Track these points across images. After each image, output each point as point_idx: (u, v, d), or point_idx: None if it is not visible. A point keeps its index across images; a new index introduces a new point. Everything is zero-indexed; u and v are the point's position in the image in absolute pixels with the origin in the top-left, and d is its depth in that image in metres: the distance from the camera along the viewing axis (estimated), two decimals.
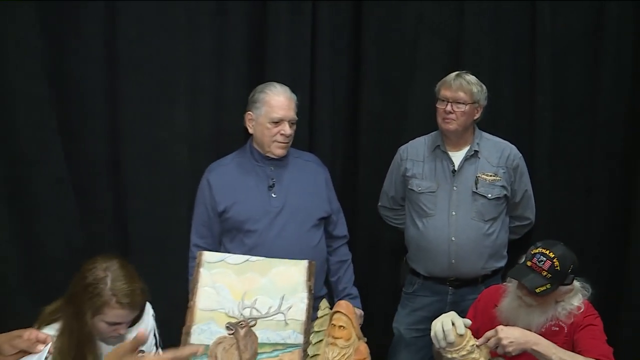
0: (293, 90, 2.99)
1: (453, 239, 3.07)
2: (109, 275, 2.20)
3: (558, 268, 2.46)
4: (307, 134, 3.50)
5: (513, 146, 3.18)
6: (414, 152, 3.22)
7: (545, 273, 2.47)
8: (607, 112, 3.67)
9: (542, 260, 2.48)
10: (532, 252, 2.53)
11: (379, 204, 3.40)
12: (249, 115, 3.00)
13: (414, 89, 3.58)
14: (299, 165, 3.07)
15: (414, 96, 3.59)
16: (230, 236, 3.00)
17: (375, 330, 3.27)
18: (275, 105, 2.93)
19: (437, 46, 3.60)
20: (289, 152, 3.03)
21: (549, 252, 2.49)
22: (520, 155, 3.16)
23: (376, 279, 3.73)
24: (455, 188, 3.10)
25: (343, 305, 2.51)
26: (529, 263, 2.51)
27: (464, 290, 3.18)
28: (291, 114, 2.97)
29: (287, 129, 2.94)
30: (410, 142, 3.27)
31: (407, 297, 3.34)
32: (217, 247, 2.99)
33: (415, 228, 3.18)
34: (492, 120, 3.39)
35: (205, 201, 2.99)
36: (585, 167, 3.71)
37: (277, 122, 2.92)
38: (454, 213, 3.08)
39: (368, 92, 3.62)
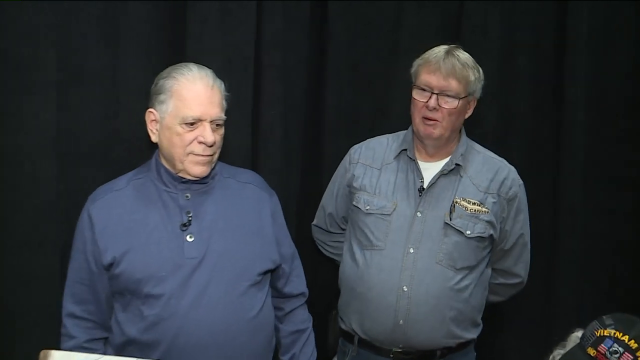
0: (227, 77, 2.20)
1: (405, 288, 2.35)
2: None
3: None
4: (248, 140, 2.71)
5: (512, 167, 2.50)
6: (369, 154, 2.57)
7: None
8: None
9: (616, 352, 1.79)
10: (599, 334, 1.82)
11: (313, 222, 2.76)
12: (150, 114, 2.14)
13: (397, 77, 2.90)
14: (232, 190, 2.24)
15: (396, 88, 2.92)
16: (123, 302, 2.12)
17: None
18: (190, 97, 2.07)
19: (427, 20, 2.95)
20: (216, 170, 2.21)
21: (628, 340, 1.80)
22: (521, 182, 2.49)
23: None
24: (419, 214, 2.39)
25: None
26: (592, 352, 1.81)
27: None
28: (215, 110, 2.10)
29: (208, 135, 2.07)
30: (368, 140, 2.63)
31: None
32: (106, 317, 2.16)
33: (354, 263, 2.47)
34: (501, 124, 2.88)
35: (85, 247, 2.13)
36: (635, 188, 3.06)
37: (192, 124, 2.07)
38: (412, 250, 2.37)
39: (335, 82, 2.93)
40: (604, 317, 1.86)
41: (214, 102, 2.08)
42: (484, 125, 2.83)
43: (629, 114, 3.01)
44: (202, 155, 2.08)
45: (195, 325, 2.02)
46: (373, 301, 2.39)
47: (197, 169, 2.10)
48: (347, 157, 2.63)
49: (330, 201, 2.67)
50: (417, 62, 2.43)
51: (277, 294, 2.33)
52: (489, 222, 2.40)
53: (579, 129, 2.95)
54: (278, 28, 2.73)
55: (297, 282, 2.38)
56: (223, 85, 2.14)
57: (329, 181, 2.80)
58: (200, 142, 2.06)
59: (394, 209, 2.42)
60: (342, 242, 2.63)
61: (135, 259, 2.06)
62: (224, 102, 2.14)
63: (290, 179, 2.88)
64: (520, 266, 2.56)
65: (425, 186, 2.43)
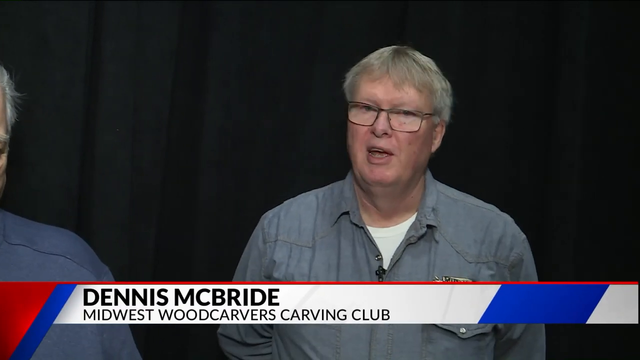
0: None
1: None
2: None
3: None
4: (74, 174, 1.99)
5: (507, 217, 1.88)
6: (293, 226, 1.90)
7: None
8: None
9: None
10: None
11: (219, 330, 2.08)
12: None
13: (314, 85, 2.32)
14: (23, 269, 1.37)
15: (312, 101, 2.32)
16: None
17: None
18: None
19: (359, 7, 2.33)
20: None
21: None
22: (524, 236, 1.86)
23: None
24: None
25: None
26: None
27: None
28: None
29: None
30: (288, 203, 1.96)
31: None
32: None
33: None
34: (462, 163, 2.30)
35: None
36: None
37: None
38: None
39: (219, 89, 2.25)
40: None
41: None
42: (439, 163, 2.04)
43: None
44: None
45: None
46: None
47: None
48: (258, 232, 1.93)
49: None
50: (353, 70, 1.81)
51: None
52: None
53: (575, 170, 2.25)
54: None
55: None
56: (7, 77, 1.30)
57: (209, 243, 2.11)
58: None
59: None
60: (269, 354, 1.97)
61: None
62: (10, 110, 1.28)
63: (142, 237, 2.11)
64: (536, 358, 1.94)
65: (385, 266, 1.76)
